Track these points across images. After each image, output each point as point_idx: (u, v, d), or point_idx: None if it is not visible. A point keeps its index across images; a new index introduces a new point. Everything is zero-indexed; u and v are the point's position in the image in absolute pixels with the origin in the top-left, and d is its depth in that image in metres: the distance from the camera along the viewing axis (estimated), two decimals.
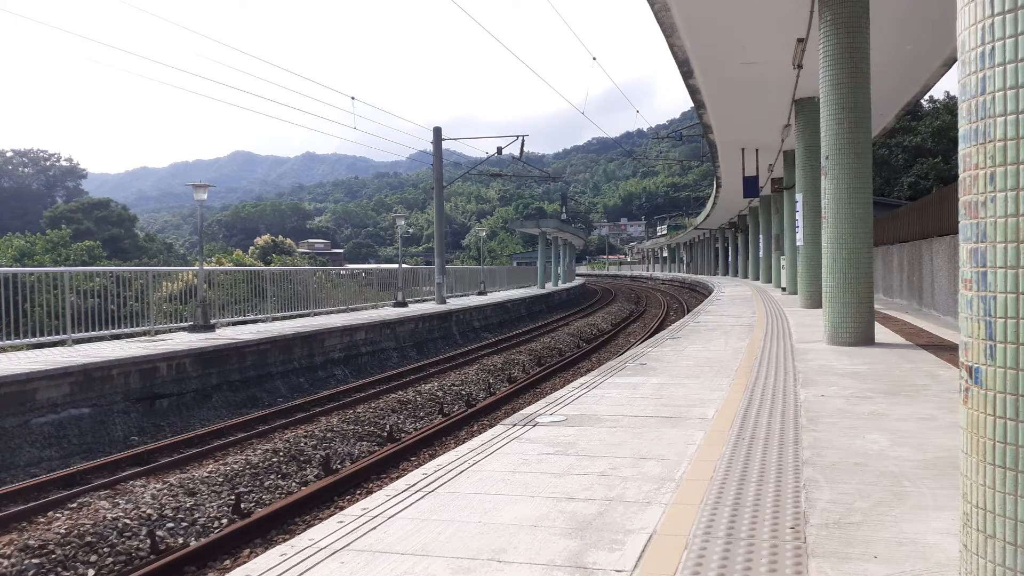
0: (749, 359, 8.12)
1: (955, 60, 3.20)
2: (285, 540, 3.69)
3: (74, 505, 6.42)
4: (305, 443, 8.36)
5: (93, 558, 5.37)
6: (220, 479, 7.03)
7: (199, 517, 6.22)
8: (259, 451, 7.99)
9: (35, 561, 5.17)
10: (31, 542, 5.38)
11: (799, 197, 15.48)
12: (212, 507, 6.43)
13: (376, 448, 8.67)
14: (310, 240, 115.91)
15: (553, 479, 3.80)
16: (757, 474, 3.74)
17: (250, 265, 37.46)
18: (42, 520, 6.06)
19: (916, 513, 3.11)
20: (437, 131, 23.75)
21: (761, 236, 31.19)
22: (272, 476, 7.39)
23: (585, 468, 3.98)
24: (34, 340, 10.85)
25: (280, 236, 74.48)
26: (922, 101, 35.30)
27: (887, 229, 17.51)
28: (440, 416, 10.43)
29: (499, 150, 25.06)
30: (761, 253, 31.62)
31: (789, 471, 3.77)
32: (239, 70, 22.97)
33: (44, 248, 37.72)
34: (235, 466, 7.40)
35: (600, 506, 3.34)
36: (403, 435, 9.30)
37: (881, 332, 9.95)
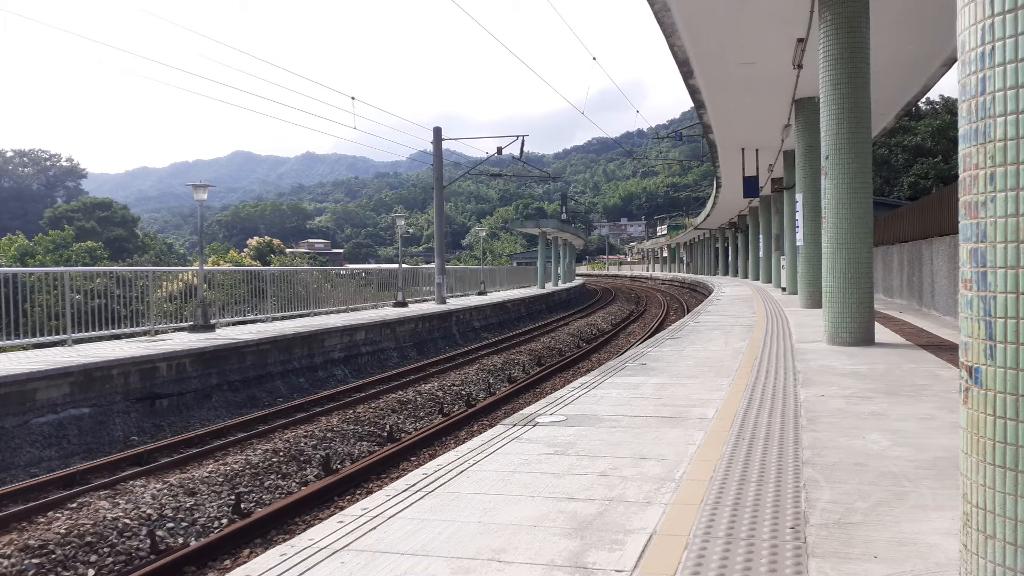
0: (749, 359, 8.12)
1: (955, 60, 3.20)
2: (285, 540, 3.69)
3: (74, 505, 6.42)
4: (305, 443, 8.36)
5: (93, 558, 5.37)
6: (220, 479, 7.03)
7: (199, 517, 6.22)
8: (259, 451, 7.99)
9: (35, 561, 5.17)
10: (31, 542, 5.38)
11: (799, 197, 15.48)
12: (212, 507, 6.43)
13: (376, 448, 8.67)
14: (310, 240, 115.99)
15: (553, 479, 3.80)
16: (757, 474, 3.74)
17: (245, 265, 37.47)
18: (42, 520, 6.05)
19: (916, 513, 3.11)
20: (437, 131, 23.76)
21: (761, 236, 31.19)
22: (272, 476, 7.39)
23: (585, 468, 3.98)
24: (34, 340, 10.84)
25: (268, 237, 74.70)
26: (921, 102, 35.32)
27: (887, 229, 17.52)
28: (440, 416, 10.43)
29: (499, 150, 25.04)
30: (761, 253, 31.61)
31: (789, 471, 3.77)
32: (239, 70, 22.98)
33: (46, 248, 37.69)
34: (235, 466, 7.40)
35: (600, 506, 3.34)
36: (403, 435, 9.30)
37: (881, 332, 9.95)
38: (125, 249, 58.15)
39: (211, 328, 13.41)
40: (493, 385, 12.76)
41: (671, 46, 12.35)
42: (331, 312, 18.43)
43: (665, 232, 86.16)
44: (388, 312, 18.76)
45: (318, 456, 7.96)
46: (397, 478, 5.67)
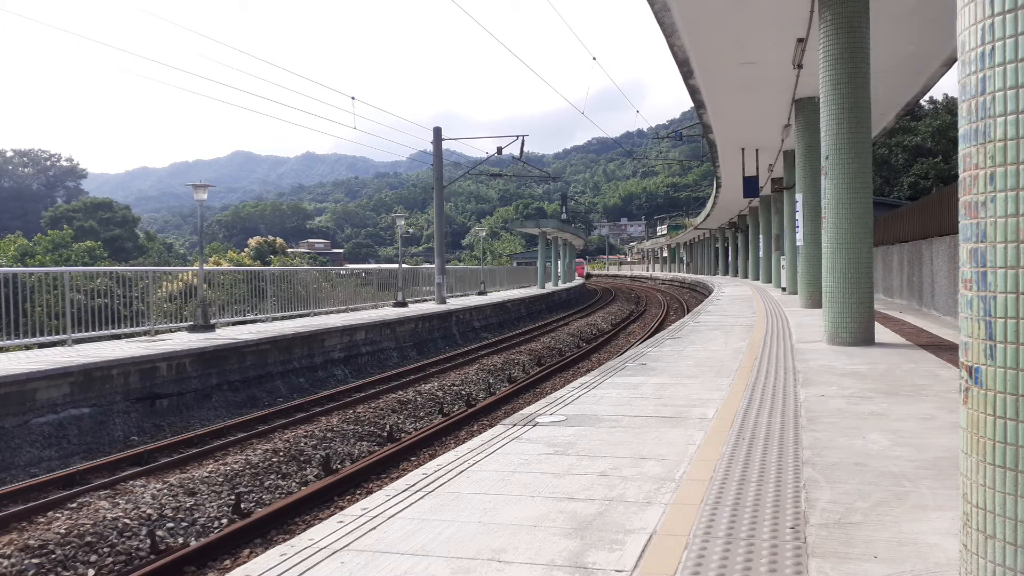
0: (749, 359, 8.12)
1: (955, 60, 3.20)
2: (285, 540, 3.69)
3: (74, 505, 6.42)
4: (305, 443, 8.36)
5: (93, 558, 5.37)
6: (220, 479, 7.03)
7: (199, 517, 6.22)
8: (259, 451, 7.99)
9: (35, 561, 5.17)
10: (31, 542, 5.38)
11: (799, 197, 15.48)
12: (212, 507, 6.43)
13: (376, 448, 8.67)
14: (310, 240, 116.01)
15: (553, 479, 3.80)
16: (757, 474, 3.74)
17: (246, 265, 37.50)
18: (42, 520, 6.05)
19: (916, 513, 3.11)
20: (437, 131, 23.77)
21: (761, 236, 31.19)
22: (272, 476, 7.39)
23: (585, 468, 3.98)
24: (34, 340, 10.84)
25: (270, 236, 74.79)
26: (922, 102, 35.31)
27: (887, 229, 17.52)
28: (440, 416, 10.42)
29: (499, 150, 25.04)
30: (761, 253, 31.62)
31: (789, 471, 3.77)
32: (239, 70, 22.97)
33: (46, 248, 37.66)
34: (235, 466, 7.40)
35: (600, 506, 3.34)
36: (403, 435, 9.30)
37: (881, 332, 9.95)
38: (124, 249, 58.13)
39: (211, 328, 13.41)
40: (493, 385, 12.75)
41: (671, 46, 12.35)
42: (331, 312, 18.43)
43: (665, 232, 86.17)
44: (388, 312, 18.76)
45: (318, 456, 7.96)
46: (397, 478, 5.67)
